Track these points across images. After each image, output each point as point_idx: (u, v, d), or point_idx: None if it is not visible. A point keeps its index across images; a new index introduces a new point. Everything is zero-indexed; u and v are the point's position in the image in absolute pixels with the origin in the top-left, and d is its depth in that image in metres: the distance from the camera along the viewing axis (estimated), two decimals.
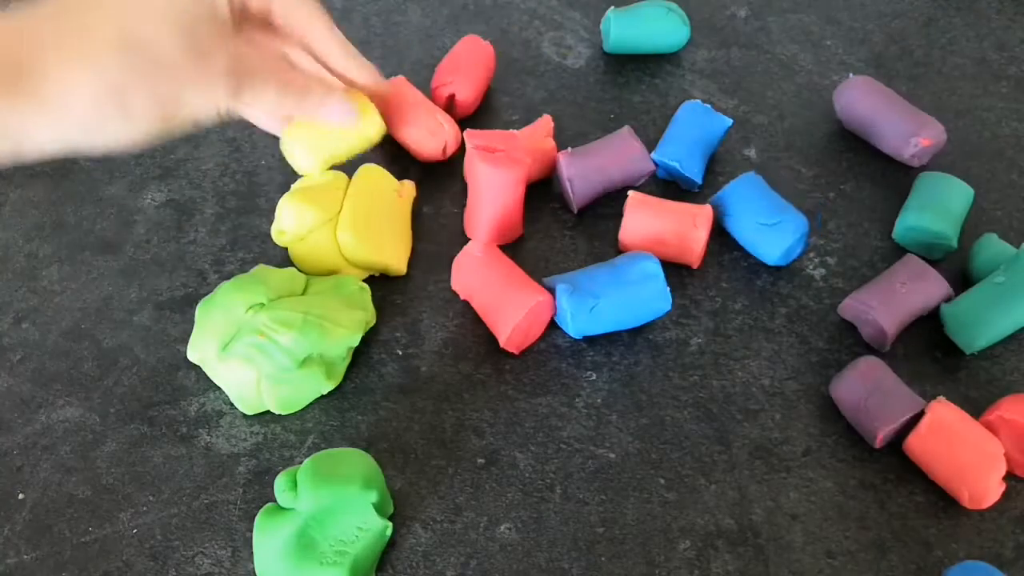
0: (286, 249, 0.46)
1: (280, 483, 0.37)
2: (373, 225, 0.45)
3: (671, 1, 0.55)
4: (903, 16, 0.59)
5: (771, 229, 0.45)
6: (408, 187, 0.48)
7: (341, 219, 0.44)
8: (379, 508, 0.37)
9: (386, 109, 0.49)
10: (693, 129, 0.49)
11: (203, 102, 0.36)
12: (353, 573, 0.36)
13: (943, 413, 0.39)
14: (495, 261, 0.44)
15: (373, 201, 0.46)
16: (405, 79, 0.50)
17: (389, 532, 0.38)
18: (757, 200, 0.46)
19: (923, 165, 0.50)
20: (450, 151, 0.49)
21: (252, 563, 0.37)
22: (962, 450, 0.38)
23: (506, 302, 0.42)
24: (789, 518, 0.40)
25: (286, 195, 0.44)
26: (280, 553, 0.36)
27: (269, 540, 0.36)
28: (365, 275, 0.46)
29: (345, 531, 0.36)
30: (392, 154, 0.50)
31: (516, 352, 0.43)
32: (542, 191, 0.49)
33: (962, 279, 0.46)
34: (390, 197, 0.47)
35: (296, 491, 0.36)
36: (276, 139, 0.52)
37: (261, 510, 0.37)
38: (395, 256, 0.46)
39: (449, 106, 0.52)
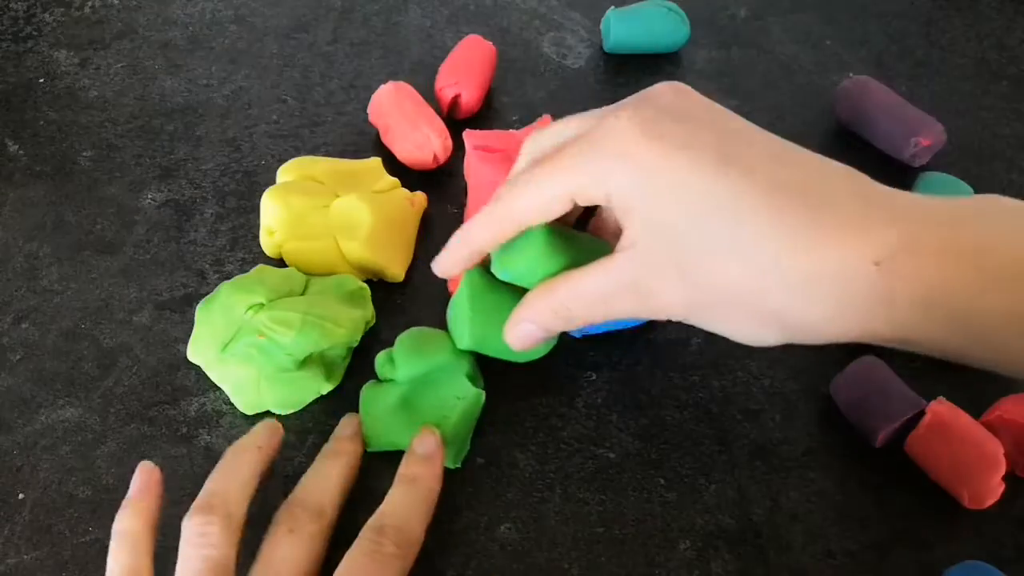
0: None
1: (380, 360, 0.41)
2: (382, 231, 0.45)
3: (671, 1, 0.55)
4: (903, 16, 0.59)
5: None
6: (420, 198, 0.48)
7: (352, 222, 0.44)
8: (472, 380, 0.40)
9: (376, 122, 0.50)
10: None
11: None
12: (454, 437, 0.39)
13: (943, 413, 0.39)
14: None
15: (384, 207, 0.46)
16: (403, 83, 0.50)
17: (482, 401, 0.41)
18: None
19: (923, 165, 0.50)
20: (441, 160, 0.49)
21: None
22: (962, 450, 0.38)
23: None
24: (789, 518, 0.40)
25: (269, 190, 0.45)
26: (386, 417, 0.40)
27: (375, 408, 0.40)
28: (363, 278, 0.46)
29: (443, 399, 0.40)
30: (391, 157, 0.50)
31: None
32: None
33: None
34: (402, 205, 0.47)
35: (394, 364, 0.40)
36: (276, 139, 0.52)
37: (365, 385, 0.41)
38: (396, 263, 0.46)
39: (453, 107, 0.52)
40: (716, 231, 0.30)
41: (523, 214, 0.34)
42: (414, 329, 0.42)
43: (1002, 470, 0.38)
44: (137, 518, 0.34)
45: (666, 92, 0.33)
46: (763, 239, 0.29)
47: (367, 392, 0.41)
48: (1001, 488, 0.38)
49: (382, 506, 0.36)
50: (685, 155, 0.30)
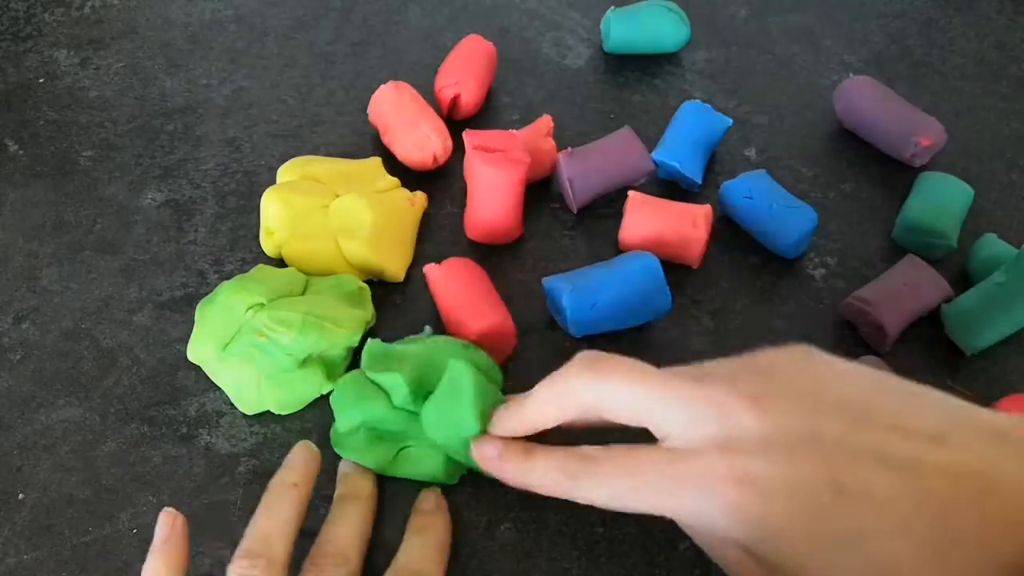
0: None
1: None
2: (382, 231, 0.45)
3: (671, 1, 0.55)
4: (903, 16, 0.59)
5: (793, 211, 0.45)
6: (420, 197, 0.48)
7: (352, 221, 0.44)
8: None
9: (376, 122, 0.50)
10: (693, 129, 0.49)
11: None
12: (454, 469, 0.39)
13: None
14: (453, 281, 0.43)
15: (385, 207, 0.46)
16: (403, 83, 0.50)
17: None
18: (776, 187, 0.47)
19: (923, 165, 0.50)
20: (441, 161, 0.49)
21: None
22: None
23: (463, 322, 0.42)
24: None
25: (269, 190, 0.45)
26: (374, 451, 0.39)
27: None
28: (363, 278, 0.46)
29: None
30: (391, 157, 0.50)
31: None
32: (542, 191, 0.49)
33: (962, 279, 0.46)
34: (402, 205, 0.47)
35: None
36: (276, 139, 0.52)
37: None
38: (396, 263, 0.46)
39: (453, 107, 0.52)
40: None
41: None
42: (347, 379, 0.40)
43: None
44: (161, 562, 0.33)
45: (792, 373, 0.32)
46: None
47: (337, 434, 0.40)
48: None
49: (397, 555, 0.36)
50: (793, 501, 0.29)
